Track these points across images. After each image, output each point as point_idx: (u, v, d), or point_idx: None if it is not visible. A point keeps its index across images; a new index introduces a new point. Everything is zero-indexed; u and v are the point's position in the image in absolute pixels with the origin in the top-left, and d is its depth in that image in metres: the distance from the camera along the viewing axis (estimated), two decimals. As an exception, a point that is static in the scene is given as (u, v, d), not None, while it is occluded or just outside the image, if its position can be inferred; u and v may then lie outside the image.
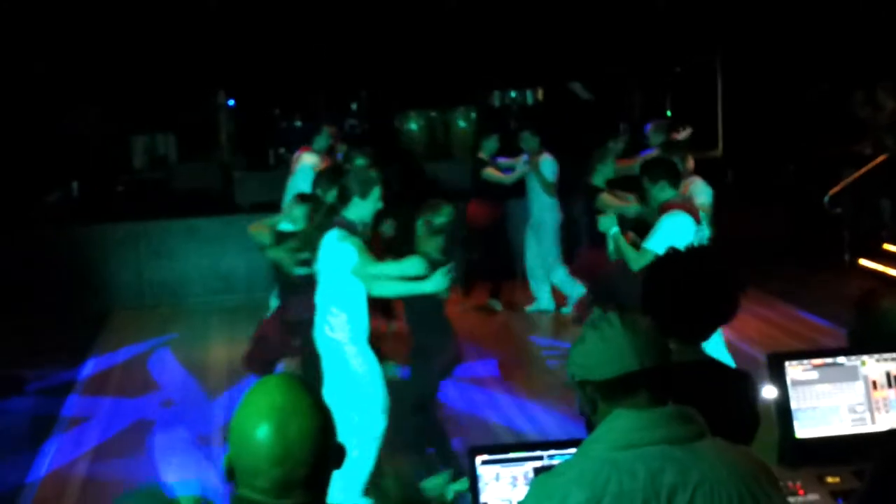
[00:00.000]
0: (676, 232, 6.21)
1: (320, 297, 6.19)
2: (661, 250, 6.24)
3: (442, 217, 6.37)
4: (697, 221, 6.56)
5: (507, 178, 10.88)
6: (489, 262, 11.19)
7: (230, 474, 2.27)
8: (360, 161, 8.81)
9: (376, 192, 6.26)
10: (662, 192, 6.51)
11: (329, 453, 2.27)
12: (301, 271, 7.13)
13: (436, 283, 5.97)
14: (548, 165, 10.75)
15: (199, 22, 14.63)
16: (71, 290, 11.49)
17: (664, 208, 6.48)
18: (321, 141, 10.29)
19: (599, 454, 2.39)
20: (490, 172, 10.83)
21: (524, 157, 10.84)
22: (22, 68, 13.55)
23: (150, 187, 13.54)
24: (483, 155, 10.98)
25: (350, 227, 6.17)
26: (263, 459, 2.19)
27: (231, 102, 14.64)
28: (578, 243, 9.87)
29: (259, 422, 2.21)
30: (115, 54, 14.16)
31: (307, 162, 9.88)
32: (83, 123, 13.87)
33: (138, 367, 9.59)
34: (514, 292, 11.37)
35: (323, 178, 7.41)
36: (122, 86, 14.18)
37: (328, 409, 2.30)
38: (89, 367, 9.71)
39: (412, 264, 6.00)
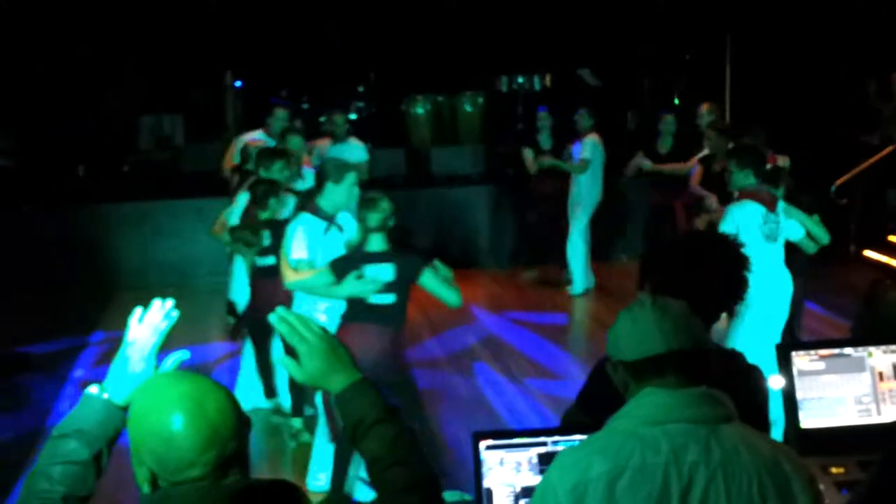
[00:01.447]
0: (744, 220, 6.56)
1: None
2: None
3: (377, 213, 5.81)
4: (771, 210, 6.75)
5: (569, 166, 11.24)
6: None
7: (153, 485, 2.17)
8: (295, 141, 8.76)
9: (350, 177, 6.25)
10: (746, 178, 6.76)
11: (244, 421, 2.22)
12: (264, 261, 7.18)
13: (351, 287, 5.75)
14: (589, 145, 11.09)
15: (208, 3, 14.61)
16: (76, 269, 11.51)
17: (740, 195, 6.77)
18: (277, 123, 9.82)
19: (625, 428, 2.43)
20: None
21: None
22: (25, 57, 13.58)
23: (156, 168, 13.55)
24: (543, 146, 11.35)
25: (321, 215, 6.19)
26: (191, 450, 2.11)
27: (238, 84, 14.61)
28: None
29: (171, 415, 2.12)
30: (124, 35, 14.15)
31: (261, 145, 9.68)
32: (93, 105, 13.89)
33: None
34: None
35: (263, 156, 7.45)
36: (130, 66, 14.18)
37: (220, 383, 2.26)
38: (93, 346, 9.75)
39: (319, 275, 5.86)
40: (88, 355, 9.51)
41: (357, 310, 5.84)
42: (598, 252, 11.69)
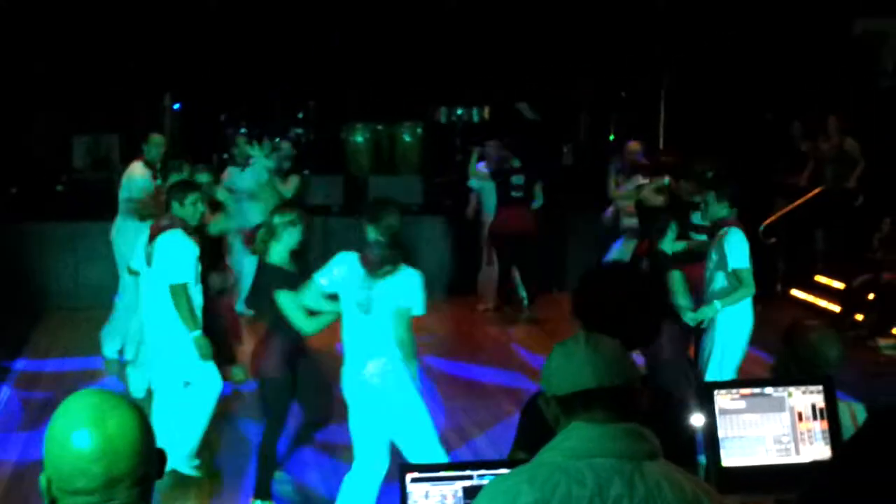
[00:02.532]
0: (744, 246, 7.02)
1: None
2: (747, 263, 6.89)
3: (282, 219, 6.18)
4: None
5: None
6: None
7: (49, 492, 2.21)
8: (203, 176, 8.76)
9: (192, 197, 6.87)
10: (723, 210, 7.16)
11: (150, 451, 2.24)
12: None
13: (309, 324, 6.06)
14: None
15: (146, 24, 14.51)
16: (6, 288, 11.32)
17: (722, 224, 7.16)
18: (152, 151, 9.81)
19: (552, 460, 2.46)
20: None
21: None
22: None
23: (91, 188, 13.36)
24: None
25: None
26: (83, 458, 2.16)
27: (177, 106, 14.52)
28: None
29: (75, 425, 2.18)
30: (60, 55, 14.00)
31: (136, 172, 9.67)
32: (25, 124, 13.71)
33: (70, 366, 9.52)
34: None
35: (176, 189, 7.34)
36: (65, 86, 14.02)
37: (144, 412, 2.29)
38: (20, 365, 9.60)
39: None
40: (12, 372, 9.37)
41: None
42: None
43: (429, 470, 3.14)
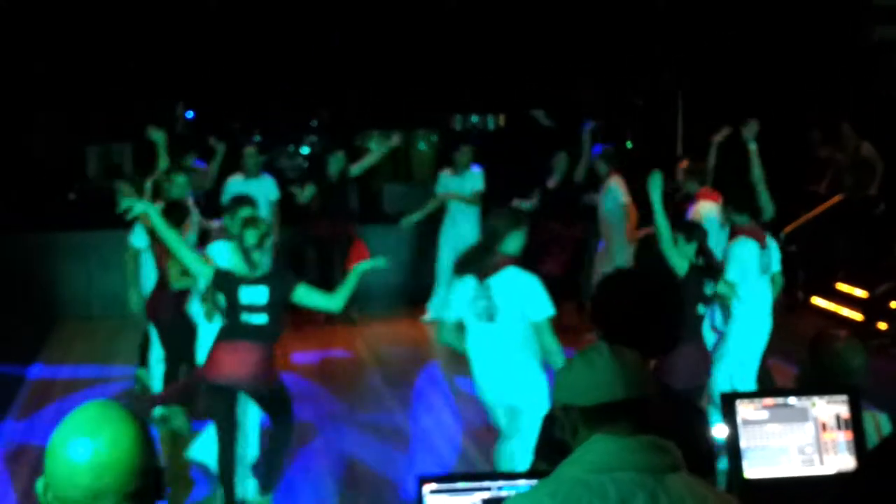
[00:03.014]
0: (746, 257, 7.02)
1: None
2: (739, 277, 6.85)
3: (255, 231, 6.11)
4: (763, 246, 7.19)
5: None
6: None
7: (44, 500, 2.23)
8: (180, 179, 8.71)
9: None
10: (741, 217, 7.19)
11: (144, 466, 2.21)
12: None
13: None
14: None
15: (160, 33, 14.55)
16: (19, 298, 11.32)
17: (736, 232, 7.16)
18: (250, 161, 10.42)
19: (573, 475, 2.43)
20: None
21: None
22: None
23: (103, 197, 13.36)
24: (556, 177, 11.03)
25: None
26: (73, 469, 2.16)
27: (190, 115, 14.54)
28: None
29: (71, 435, 2.19)
30: (74, 64, 14.04)
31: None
32: (39, 133, 13.74)
33: (83, 374, 9.49)
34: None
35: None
36: (78, 95, 14.05)
37: (147, 427, 2.28)
38: (33, 375, 9.59)
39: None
40: (25, 383, 9.35)
41: (231, 329, 6.14)
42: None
43: (447, 481, 3.09)
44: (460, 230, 11.20)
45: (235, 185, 10.74)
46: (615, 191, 10.54)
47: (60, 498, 2.18)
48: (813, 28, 13.62)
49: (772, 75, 13.99)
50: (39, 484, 2.23)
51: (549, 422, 3.44)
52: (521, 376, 5.91)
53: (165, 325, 7.95)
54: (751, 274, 7.10)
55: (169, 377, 7.94)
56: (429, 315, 11.40)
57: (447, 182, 11.50)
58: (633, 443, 2.45)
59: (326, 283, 10.74)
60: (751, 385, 7.19)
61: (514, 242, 5.90)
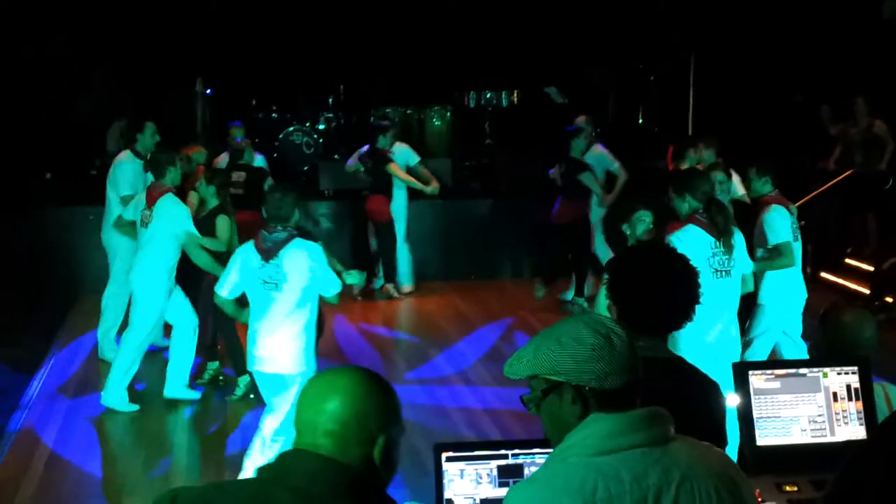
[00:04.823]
0: (782, 223, 7.04)
1: None
2: (789, 238, 6.89)
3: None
4: (790, 212, 7.29)
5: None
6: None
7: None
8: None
9: None
10: (765, 186, 7.21)
11: (370, 427, 2.31)
12: None
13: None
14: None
15: (179, 9, 14.59)
16: (41, 272, 11.42)
17: (765, 202, 7.16)
18: (145, 140, 9.45)
19: (581, 460, 2.41)
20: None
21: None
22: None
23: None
24: (574, 154, 10.89)
25: None
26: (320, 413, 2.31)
27: (209, 91, 14.58)
28: None
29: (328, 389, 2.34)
30: (94, 39, 14.10)
31: (125, 160, 9.41)
32: (61, 107, 13.80)
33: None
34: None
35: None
36: (100, 70, 14.12)
37: (392, 394, 2.39)
38: (56, 350, 9.71)
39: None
40: (49, 357, 9.47)
41: None
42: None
43: (463, 449, 3.16)
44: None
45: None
46: (602, 158, 11.12)
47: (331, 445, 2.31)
48: (825, 3, 13.60)
49: (782, 50, 13.96)
50: None
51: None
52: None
53: None
54: (786, 241, 7.15)
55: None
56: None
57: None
58: (633, 418, 2.44)
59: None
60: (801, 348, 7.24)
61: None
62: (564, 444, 2.45)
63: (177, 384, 8.29)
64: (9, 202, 12.18)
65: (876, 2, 13.50)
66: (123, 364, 8.05)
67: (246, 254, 6.34)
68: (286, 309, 6.25)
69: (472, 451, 3.15)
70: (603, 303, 3.64)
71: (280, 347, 6.24)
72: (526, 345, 2.59)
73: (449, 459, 3.10)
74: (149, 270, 8.01)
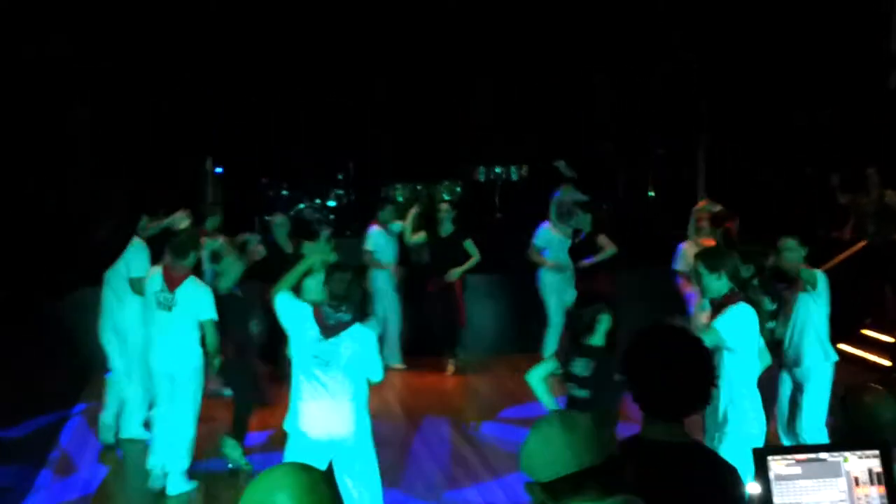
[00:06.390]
0: (744, 321, 6.32)
1: None
2: (730, 339, 6.40)
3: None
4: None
5: None
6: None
7: None
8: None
9: None
10: (720, 282, 6.43)
11: None
12: None
13: None
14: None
15: (189, 91, 14.74)
16: (63, 353, 11.41)
17: (726, 300, 6.43)
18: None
19: None
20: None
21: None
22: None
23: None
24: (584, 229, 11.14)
25: None
26: None
27: (219, 170, 14.69)
28: None
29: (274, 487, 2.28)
30: (102, 121, 14.21)
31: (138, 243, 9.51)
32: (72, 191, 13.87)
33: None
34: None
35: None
36: (106, 153, 14.23)
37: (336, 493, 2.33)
38: (72, 425, 9.71)
39: None
40: (64, 432, 9.45)
41: None
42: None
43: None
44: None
45: None
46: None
47: None
48: (834, 75, 13.68)
49: (792, 122, 14.03)
50: None
51: None
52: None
53: None
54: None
55: None
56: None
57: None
58: None
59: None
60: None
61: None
62: None
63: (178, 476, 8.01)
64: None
65: (882, 73, 13.61)
66: (183, 446, 7.95)
67: (304, 318, 6.22)
68: (336, 388, 6.19)
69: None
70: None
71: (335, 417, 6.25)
72: None
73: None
74: (182, 350, 7.94)
